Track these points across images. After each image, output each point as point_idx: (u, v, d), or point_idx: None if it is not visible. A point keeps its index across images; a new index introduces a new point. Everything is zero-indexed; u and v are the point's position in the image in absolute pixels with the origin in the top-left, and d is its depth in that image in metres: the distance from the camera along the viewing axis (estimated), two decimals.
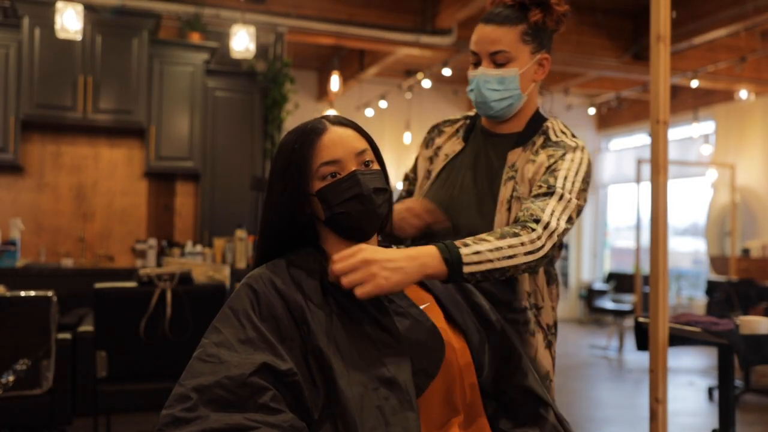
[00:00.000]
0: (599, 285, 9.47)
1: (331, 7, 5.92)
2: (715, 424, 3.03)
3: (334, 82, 7.08)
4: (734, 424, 2.95)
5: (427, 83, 7.53)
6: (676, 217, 9.24)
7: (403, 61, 7.39)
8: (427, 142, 1.70)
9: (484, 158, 1.59)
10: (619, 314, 7.78)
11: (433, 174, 1.63)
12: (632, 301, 8.07)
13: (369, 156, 1.16)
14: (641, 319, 3.02)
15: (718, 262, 8.01)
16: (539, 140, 1.55)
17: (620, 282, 8.90)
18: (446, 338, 1.13)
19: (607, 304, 8.49)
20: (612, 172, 10.33)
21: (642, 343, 2.96)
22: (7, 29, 4.80)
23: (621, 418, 4.86)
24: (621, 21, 6.73)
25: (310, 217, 1.15)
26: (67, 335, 3.01)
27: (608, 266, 10.57)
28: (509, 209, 1.50)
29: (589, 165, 1.53)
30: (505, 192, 1.51)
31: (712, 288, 6.02)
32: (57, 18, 4.14)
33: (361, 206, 1.12)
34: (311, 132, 1.14)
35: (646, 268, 6.91)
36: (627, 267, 9.80)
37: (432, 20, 6.07)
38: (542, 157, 1.51)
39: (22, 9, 4.75)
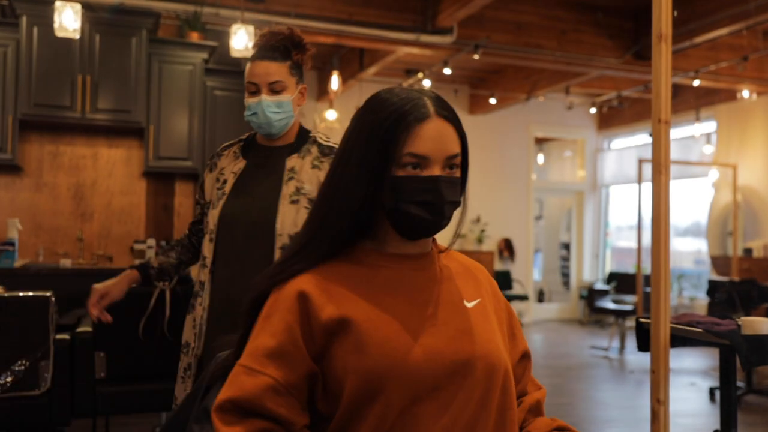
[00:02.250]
0: (600, 285, 9.45)
1: (331, 6, 5.90)
2: (717, 425, 3.01)
3: (334, 81, 7.06)
4: (736, 425, 2.94)
5: (427, 83, 7.52)
6: (678, 217, 9.22)
7: (403, 60, 7.38)
8: (211, 167, 2.03)
9: (267, 167, 1.96)
10: (621, 314, 7.76)
11: (227, 190, 1.94)
12: (633, 301, 8.05)
13: (457, 161, 1.06)
14: (642, 320, 3.01)
15: (719, 262, 7.99)
16: (313, 147, 1.96)
17: (621, 282, 8.89)
18: (494, 342, 1.08)
19: (608, 304, 8.47)
20: (613, 172, 10.31)
21: (643, 344, 2.94)
22: (5, 28, 4.78)
23: (622, 419, 4.84)
24: (622, 20, 6.71)
25: (378, 197, 1.04)
26: (65, 336, 2.99)
27: (609, 266, 10.55)
28: (293, 202, 1.88)
29: None
30: (287, 190, 1.90)
31: (713, 288, 5.99)
32: (55, 17, 4.12)
33: (428, 215, 1.04)
34: (411, 113, 1.02)
35: (647, 268, 6.89)
36: (628, 267, 9.78)
37: (432, 19, 6.05)
38: (326, 167, 1.88)
39: (21, 8, 4.73)
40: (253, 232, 1.88)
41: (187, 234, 2.14)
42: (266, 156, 1.98)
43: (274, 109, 1.92)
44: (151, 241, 5.13)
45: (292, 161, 1.94)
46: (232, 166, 1.98)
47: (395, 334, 1.02)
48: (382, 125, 1.02)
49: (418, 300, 1.07)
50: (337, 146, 1.75)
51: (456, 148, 1.05)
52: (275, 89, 1.92)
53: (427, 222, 1.04)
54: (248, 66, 1.94)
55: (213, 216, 1.94)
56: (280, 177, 1.92)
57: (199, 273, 1.98)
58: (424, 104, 1.04)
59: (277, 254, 1.85)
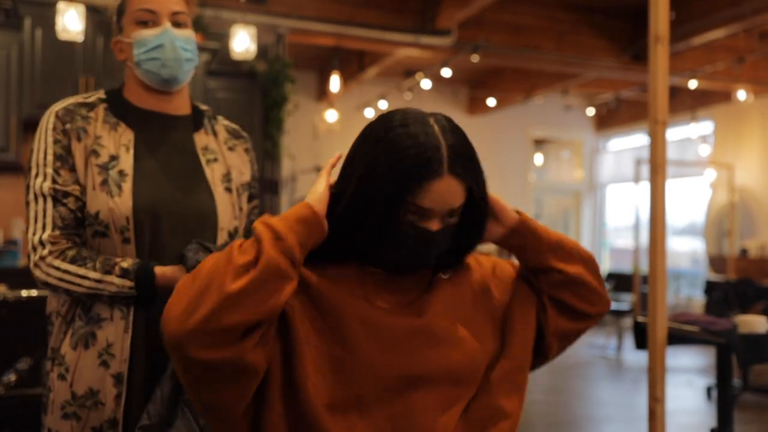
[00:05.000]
0: None
1: (331, 7, 5.94)
2: (714, 423, 3.06)
3: (334, 82, 7.09)
4: (732, 423, 2.98)
5: (426, 84, 7.54)
6: (675, 216, 9.26)
7: (402, 61, 7.41)
8: (78, 134, 1.42)
9: (169, 142, 1.49)
10: (618, 314, 7.80)
11: (128, 170, 1.42)
12: (631, 300, 8.09)
13: (458, 209, 1.07)
14: (640, 319, 3.05)
15: (716, 261, 8.04)
16: (218, 126, 1.58)
17: (619, 281, 8.92)
18: (448, 330, 1.12)
19: None
20: (611, 172, 10.35)
21: (641, 343, 2.99)
22: (8, 30, 4.81)
23: (620, 417, 4.88)
24: (620, 22, 6.75)
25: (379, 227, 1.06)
26: None
27: (607, 266, 10.59)
28: (228, 189, 1.51)
29: None
30: (211, 173, 1.50)
31: (710, 288, 6.04)
32: (58, 19, 4.15)
33: (411, 264, 1.09)
34: (425, 168, 1.02)
35: (644, 267, 6.93)
36: (626, 267, 9.82)
37: (432, 21, 6.08)
38: (241, 151, 1.60)
39: (24, 10, 4.76)
40: (187, 226, 1.43)
41: (68, 246, 1.37)
42: (162, 127, 1.49)
43: (184, 45, 1.45)
44: None
45: (202, 139, 1.53)
46: (115, 137, 1.44)
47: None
48: (395, 171, 1.02)
49: (401, 306, 1.11)
50: (236, 128, 1.64)
51: (459, 201, 1.06)
52: (179, 21, 1.45)
53: (407, 266, 1.09)
54: None
55: (117, 206, 1.38)
56: (195, 156, 1.50)
57: None
58: (439, 159, 1.02)
59: None
